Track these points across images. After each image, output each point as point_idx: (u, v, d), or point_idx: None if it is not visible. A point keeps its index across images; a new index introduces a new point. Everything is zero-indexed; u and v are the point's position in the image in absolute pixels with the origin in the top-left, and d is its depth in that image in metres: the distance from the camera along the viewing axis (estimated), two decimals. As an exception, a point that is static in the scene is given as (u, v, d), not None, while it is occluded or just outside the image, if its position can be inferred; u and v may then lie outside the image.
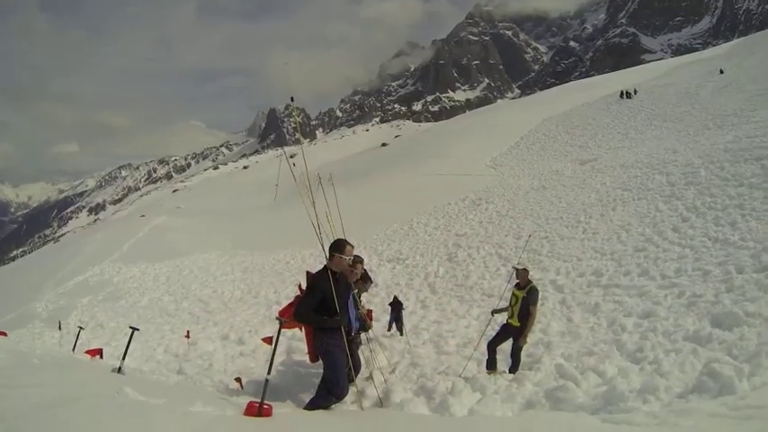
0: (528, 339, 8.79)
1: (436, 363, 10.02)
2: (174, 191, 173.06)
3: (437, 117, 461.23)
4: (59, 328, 20.93)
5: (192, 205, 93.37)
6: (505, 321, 8.99)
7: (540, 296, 9.10)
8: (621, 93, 54.62)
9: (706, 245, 13.99)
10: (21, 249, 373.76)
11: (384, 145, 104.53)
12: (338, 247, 6.10)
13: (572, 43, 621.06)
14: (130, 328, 8.30)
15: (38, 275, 39.67)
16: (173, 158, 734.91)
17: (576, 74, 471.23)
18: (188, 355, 14.45)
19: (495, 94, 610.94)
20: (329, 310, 5.87)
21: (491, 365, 8.73)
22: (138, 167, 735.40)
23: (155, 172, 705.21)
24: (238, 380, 9.02)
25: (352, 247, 6.26)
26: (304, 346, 11.18)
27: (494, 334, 9.22)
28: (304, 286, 6.94)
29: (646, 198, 21.08)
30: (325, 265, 6.08)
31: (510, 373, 8.48)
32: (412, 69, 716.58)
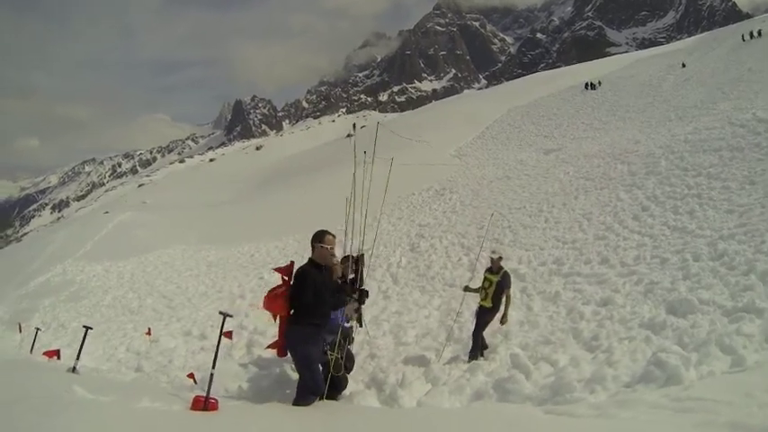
0: (506, 321, 9.30)
1: (394, 354, 10.02)
2: (140, 185, 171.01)
3: (403, 107, 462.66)
4: (20, 330, 20.34)
5: (157, 200, 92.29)
6: (478, 306, 9.43)
7: (511, 280, 9.45)
8: (586, 84, 55.24)
9: (664, 233, 14.13)
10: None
11: (349, 136, 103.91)
12: (318, 237, 6.03)
13: (539, 35, 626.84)
14: (84, 327, 8.07)
15: (0, 277, 38.60)
16: (138, 152, 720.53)
17: (543, 65, 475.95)
18: (149, 352, 14.09)
19: (461, 84, 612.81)
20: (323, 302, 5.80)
21: (475, 352, 8.95)
22: (102, 162, 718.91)
23: (119, 166, 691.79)
24: (191, 375, 8.87)
25: (333, 236, 6.16)
26: (264, 340, 11.10)
27: (473, 325, 9.43)
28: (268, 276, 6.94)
29: (607, 187, 21.21)
30: (309, 258, 6.03)
31: (475, 358, 8.76)
32: (378, 60, 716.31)
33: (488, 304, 9.16)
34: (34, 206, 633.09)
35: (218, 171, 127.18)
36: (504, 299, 9.12)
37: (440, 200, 30.68)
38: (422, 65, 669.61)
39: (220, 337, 5.80)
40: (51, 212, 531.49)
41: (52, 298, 27.69)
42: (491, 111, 60.62)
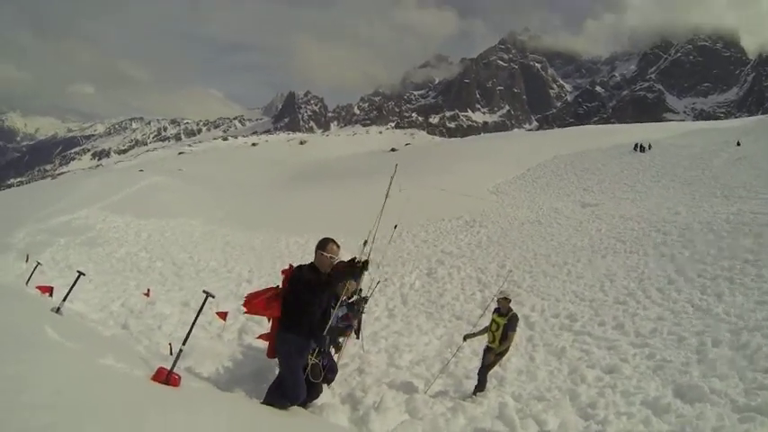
0: (498, 363, 9.24)
1: (382, 374, 9.75)
2: (180, 153, 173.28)
3: (452, 133, 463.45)
4: (26, 260, 20.51)
5: (193, 170, 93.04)
6: (486, 346, 9.17)
7: (518, 323, 9.25)
8: (636, 145, 54.14)
9: (687, 311, 13.53)
10: (18, 179, 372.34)
11: (393, 150, 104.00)
12: (320, 244, 6.03)
13: (598, 88, 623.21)
14: (78, 272, 7.86)
15: (26, 207, 39.58)
16: (185, 121, 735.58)
17: (596, 118, 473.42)
18: (142, 312, 14.01)
19: (513, 122, 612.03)
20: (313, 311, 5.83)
21: (480, 388, 8.87)
22: (149, 123, 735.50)
23: (165, 130, 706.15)
24: (170, 344, 8.77)
25: (338, 246, 6.14)
26: (258, 330, 10.89)
27: (479, 364, 9.27)
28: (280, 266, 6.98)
29: (637, 252, 20.59)
30: (311, 263, 6.04)
31: (474, 394, 8.68)
32: (436, 82, 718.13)
33: (496, 346, 8.97)
34: (77, 149, 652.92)
35: (257, 156, 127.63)
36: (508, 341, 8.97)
37: (468, 231, 30.25)
38: (478, 95, 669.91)
39: (197, 315, 5.82)
40: (91, 159, 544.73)
41: (68, 238, 28.31)
42: (536, 154, 59.81)
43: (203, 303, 5.72)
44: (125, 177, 58.73)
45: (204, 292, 5.73)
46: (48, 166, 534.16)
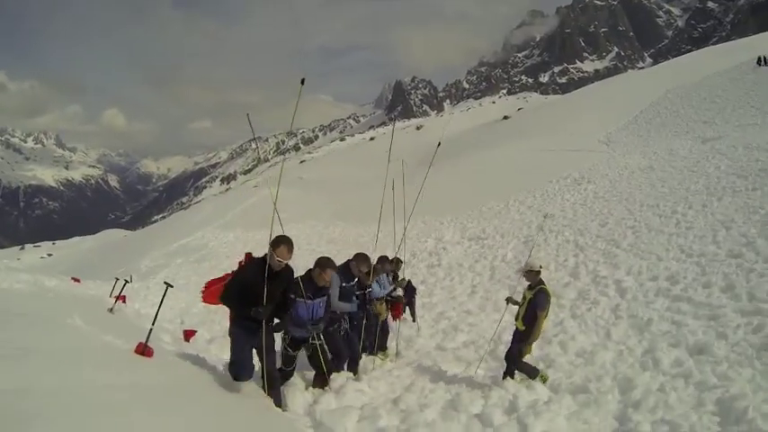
0: (532, 348, 7.87)
1: (422, 357, 9.92)
2: (302, 161, 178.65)
3: (565, 89, 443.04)
4: (130, 280, 22.07)
5: (314, 176, 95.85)
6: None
7: (549, 300, 7.56)
8: (759, 59, 48.05)
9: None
10: (161, 215, 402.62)
11: (506, 118, 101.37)
12: (273, 242, 5.77)
13: (710, 3, 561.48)
14: (165, 283, 7.88)
15: (159, 236, 44.68)
16: (300, 130, 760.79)
17: (715, 39, 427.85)
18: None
19: (625, 63, 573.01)
20: (254, 299, 5.63)
21: (508, 373, 7.92)
22: (267, 140, 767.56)
23: (283, 144, 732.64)
24: (187, 333, 10.33)
25: (288, 250, 5.76)
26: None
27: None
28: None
29: (762, 189, 17.98)
30: (265, 254, 5.86)
31: (503, 379, 7.81)
32: (537, 39, 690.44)
33: (520, 326, 7.67)
34: (206, 178, 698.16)
35: (376, 149, 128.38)
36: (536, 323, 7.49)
37: (575, 189, 28.65)
38: (582, 43, 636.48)
39: (161, 303, 7.17)
40: (221, 184, 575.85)
41: (183, 258, 31.56)
42: (649, 92, 55.59)
43: (164, 294, 7.13)
44: (239, 196, 62.03)
45: (165, 283, 7.12)
46: (184, 199, 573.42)
